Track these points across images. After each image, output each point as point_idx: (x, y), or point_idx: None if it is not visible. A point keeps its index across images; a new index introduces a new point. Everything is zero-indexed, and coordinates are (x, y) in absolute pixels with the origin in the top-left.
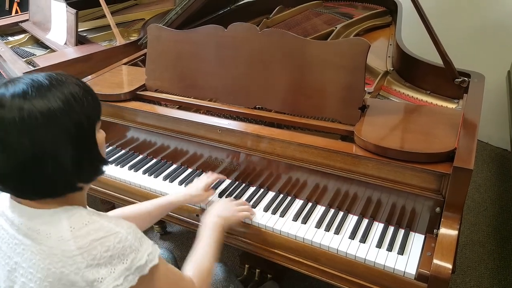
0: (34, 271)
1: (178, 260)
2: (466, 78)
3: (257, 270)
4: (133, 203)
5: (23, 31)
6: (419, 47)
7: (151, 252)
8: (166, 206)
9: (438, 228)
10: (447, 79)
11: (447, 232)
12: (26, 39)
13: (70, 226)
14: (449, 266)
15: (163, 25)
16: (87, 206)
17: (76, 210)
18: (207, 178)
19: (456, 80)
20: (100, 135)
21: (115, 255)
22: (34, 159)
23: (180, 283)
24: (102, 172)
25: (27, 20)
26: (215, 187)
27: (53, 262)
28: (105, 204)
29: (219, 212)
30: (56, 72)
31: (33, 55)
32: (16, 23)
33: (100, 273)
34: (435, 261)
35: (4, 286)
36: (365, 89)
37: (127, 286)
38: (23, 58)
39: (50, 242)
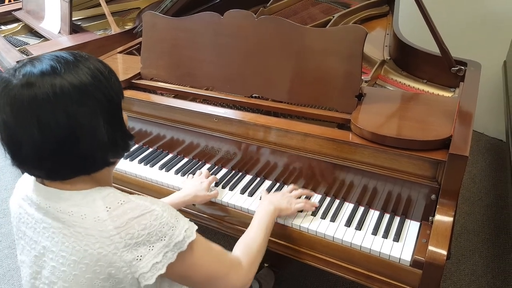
0: (67, 254)
1: None
2: (462, 67)
3: None
4: (129, 192)
5: (16, 20)
6: (416, 36)
7: (188, 228)
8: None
9: (434, 215)
10: (443, 68)
11: (442, 219)
12: (19, 28)
13: (106, 206)
14: (444, 252)
15: (159, 13)
16: None
17: (110, 190)
18: (206, 178)
19: (453, 68)
20: (124, 114)
21: (152, 233)
22: (72, 135)
23: (224, 259)
24: (130, 148)
25: (20, 9)
26: (213, 174)
27: (90, 243)
28: None
29: (275, 201)
30: (77, 51)
31: (26, 44)
32: (9, 12)
33: (139, 251)
34: (430, 247)
35: (30, 271)
36: (362, 77)
37: (166, 263)
38: (16, 47)
39: (86, 223)
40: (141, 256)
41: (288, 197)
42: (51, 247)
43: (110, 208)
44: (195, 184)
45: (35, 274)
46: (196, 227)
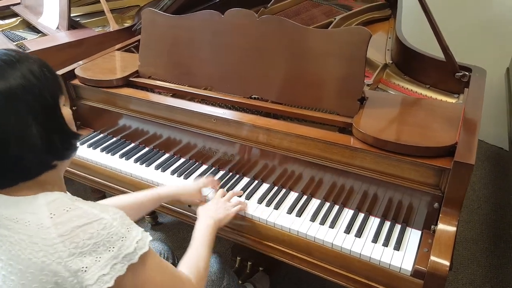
0: (14, 263)
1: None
2: (467, 73)
3: (248, 263)
4: (124, 192)
5: (15, 14)
6: (417, 40)
7: (141, 239)
8: (157, 199)
9: (436, 224)
10: (447, 73)
11: (445, 228)
12: (17, 22)
13: (50, 212)
14: (447, 263)
15: (158, 10)
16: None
17: (57, 196)
18: (206, 180)
19: (457, 74)
20: (66, 110)
21: (99, 243)
22: (1, 141)
23: (177, 276)
24: (75, 147)
25: (18, 3)
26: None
27: (34, 251)
28: (95, 193)
29: (213, 214)
30: (8, 50)
31: (24, 39)
32: (8, 6)
33: (84, 262)
34: (433, 257)
35: None
36: (364, 81)
37: (115, 276)
38: (14, 42)
39: (29, 231)
40: (86, 267)
41: (222, 202)
42: (0, 256)
43: (54, 214)
44: (189, 183)
45: None
46: (150, 238)
